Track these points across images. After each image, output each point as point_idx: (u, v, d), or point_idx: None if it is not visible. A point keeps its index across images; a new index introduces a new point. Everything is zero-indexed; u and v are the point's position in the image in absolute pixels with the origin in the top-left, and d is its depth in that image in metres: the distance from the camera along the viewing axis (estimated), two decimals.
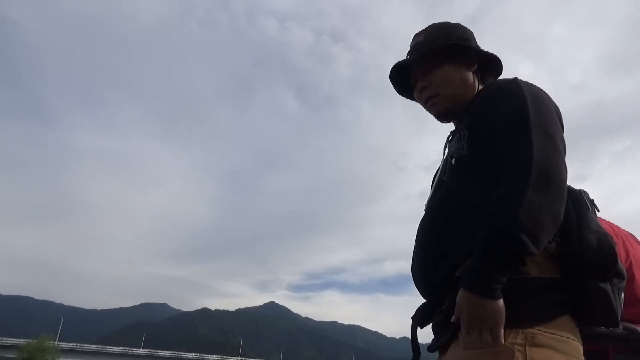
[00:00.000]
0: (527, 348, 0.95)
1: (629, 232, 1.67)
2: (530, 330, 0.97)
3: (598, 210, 1.14)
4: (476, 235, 0.99)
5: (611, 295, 1.01)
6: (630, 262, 1.53)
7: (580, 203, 1.10)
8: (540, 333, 0.97)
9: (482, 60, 1.29)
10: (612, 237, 1.04)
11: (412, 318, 1.19)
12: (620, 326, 1.34)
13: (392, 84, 1.39)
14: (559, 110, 1.14)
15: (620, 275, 1.04)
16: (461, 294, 0.98)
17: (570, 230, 1.04)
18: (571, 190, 1.12)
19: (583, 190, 1.15)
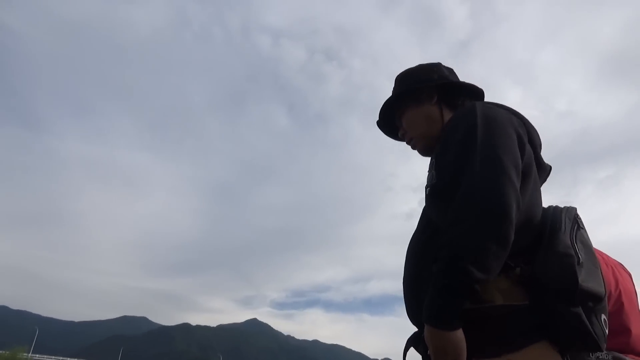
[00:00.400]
0: None
1: (617, 261, 1.68)
2: (498, 359, 0.98)
3: (581, 228, 1.12)
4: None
5: (584, 318, 0.99)
6: (620, 291, 1.53)
7: (554, 224, 1.09)
8: None
9: (443, 90, 1.37)
10: (575, 259, 1.01)
11: (405, 345, 1.19)
12: (610, 356, 1.33)
13: (381, 129, 1.51)
14: (523, 131, 1.14)
15: (594, 297, 1.01)
16: (425, 327, 1.01)
17: (538, 253, 1.04)
18: (552, 211, 1.13)
19: (568, 208, 1.15)
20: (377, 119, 1.47)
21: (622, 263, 1.69)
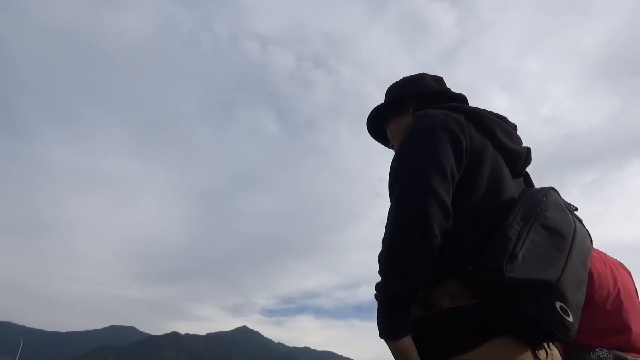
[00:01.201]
0: None
1: (616, 260, 1.70)
2: None
3: (543, 210, 1.06)
4: None
5: (524, 309, 0.96)
6: (619, 289, 1.55)
7: (505, 214, 1.06)
8: None
9: (419, 100, 1.41)
10: (507, 250, 0.98)
11: None
12: (611, 355, 1.33)
13: (373, 136, 1.58)
14: (461, 128, 1.13)
15: (535, 285, 0.98)
16: None
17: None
18: (519, 197, 1.12)
19: (534, 192, 1.13)
20: (367, 127, 1.53)
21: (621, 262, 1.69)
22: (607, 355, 1.33)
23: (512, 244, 0.99)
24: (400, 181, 1.06)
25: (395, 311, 1.00)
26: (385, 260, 1.02)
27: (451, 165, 1.07)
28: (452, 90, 1.44)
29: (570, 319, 1.00)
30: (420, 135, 1.12)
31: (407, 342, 1.00)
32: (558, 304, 0.99)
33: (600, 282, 1.55)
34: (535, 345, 1.02)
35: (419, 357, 1.00)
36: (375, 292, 1.03)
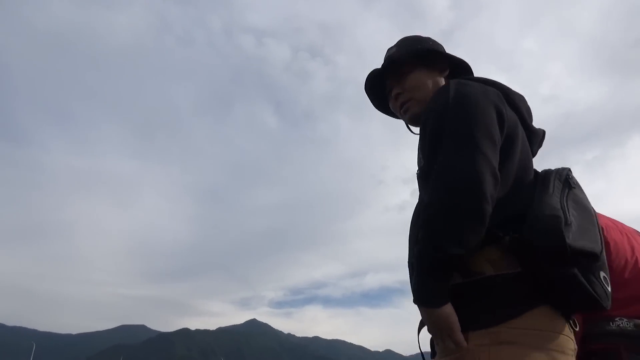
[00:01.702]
0: (490, 348, 0.96)
1: (633, 229, 1.68)
2: (494, 329, 0.97)
3: (572, 187, 1.11)
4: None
5: (580, 278, 0.98)
6: (636, 258, 1.52)
7: (542, 187, 1.09)
8: (506, 330, 0.96)
9: (453, 67, 1.36)
10: (561, 219, 0.99)
11: (418, 326, 1.18)
12: (632, 324, 1.31)
13: (368, 95, 1.45)
14: (501, 101, 1.13)
15: (588, 255, 0.99)
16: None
17: (527, 219, 1.03)
18: (543, 174, 1.15)
19: (559, 170, 1.16)
20: (369, 76, 1.40)
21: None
22: (628, 324, 1.32)
23: (562, 213, 1.00)
24: (451, 144, 1.04)
25: (438, 277, 0.98)
26: (435, 224, 0.99)
27: (497, 134, 1.07)
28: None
29: (609, 288, 1.03)
30: (469, 102, 1.09)
31: (449, 309, 0.99)
32: (602, 274, 1.02)
33: (617, 251, 1.53)
34: (569, 316, 1.03)
35: (459, 325, 0.99)
36: (415, 257, 1.02)
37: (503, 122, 1.11)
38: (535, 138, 1.26)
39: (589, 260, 0.99)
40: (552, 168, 1.18)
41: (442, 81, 1.32)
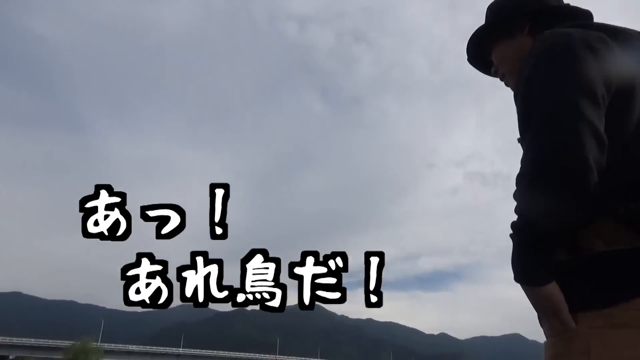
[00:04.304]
0: (604, 330, 0.84)
1: None
2: (608, 310, 0.85)
3: None
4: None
5: None
6: None
7: None
8: (621, 312, 0.84)
9: (536, 18, 1.15)
10: None
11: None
12: None
13: (475, 65, 1.32)
14: (606, 47, 0.92)
15: None
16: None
17: None
18: None
19: None
20: (467, 52, 1.29)
21: None
22: None
23: None
24: (542, 109, 0.88)
25: (538, 254, 0.89)
26: (529, 196, 0.88)
27: (601, 88, 0.88)
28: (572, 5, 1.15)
29: None
30: (560, 55, 0.92)
31: (553, 288, 0.89)
32: None
33: None
34: None
35: (567, 306, 0.88)
36: (512, 232, 0.92)
37: (609, 71, 0.90)
38: None
39: None
40: None
41: (527, 42, 1.12)
